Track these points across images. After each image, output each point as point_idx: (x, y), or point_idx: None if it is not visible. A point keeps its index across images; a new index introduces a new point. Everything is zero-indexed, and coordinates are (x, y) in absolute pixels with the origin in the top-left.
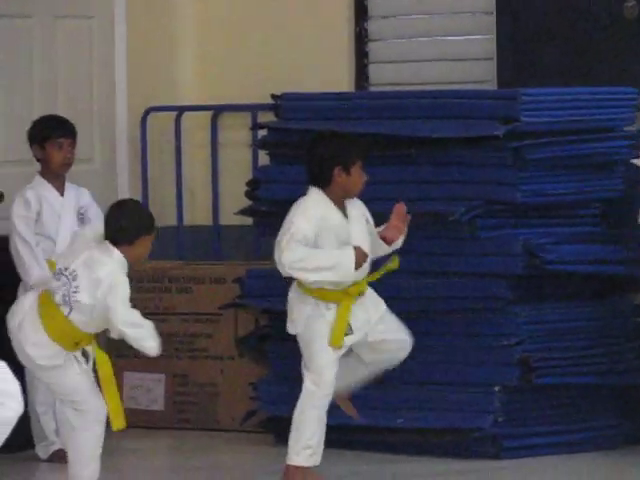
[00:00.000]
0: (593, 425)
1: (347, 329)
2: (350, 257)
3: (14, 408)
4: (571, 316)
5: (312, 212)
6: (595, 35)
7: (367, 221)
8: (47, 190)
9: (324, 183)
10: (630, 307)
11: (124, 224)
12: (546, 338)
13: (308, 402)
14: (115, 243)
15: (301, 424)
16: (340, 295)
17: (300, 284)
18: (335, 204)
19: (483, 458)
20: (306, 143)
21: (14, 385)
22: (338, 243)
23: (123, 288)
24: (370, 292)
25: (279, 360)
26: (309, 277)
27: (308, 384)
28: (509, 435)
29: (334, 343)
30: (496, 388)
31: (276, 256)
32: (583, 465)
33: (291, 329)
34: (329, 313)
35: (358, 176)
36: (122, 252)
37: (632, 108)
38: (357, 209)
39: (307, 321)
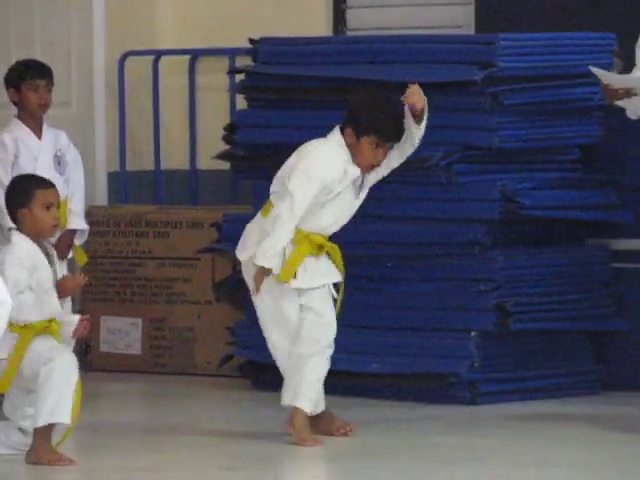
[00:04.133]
0: (569, 371)
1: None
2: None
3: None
4: (548, 262)
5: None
6: None
7: None
8: (24, 133)
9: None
10: (607, 253)
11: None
12: (523, 284)
13: None
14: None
15: None
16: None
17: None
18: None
19: (459, 403)
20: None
21: (3, 293)
22: None
23: None
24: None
25: (252, 307)
26: None
27: None
28: (485, 380)
29: (281, 278)
30: (472, 333)
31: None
32: (559, 410)
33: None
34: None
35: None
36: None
37: (610, 54)
38: None
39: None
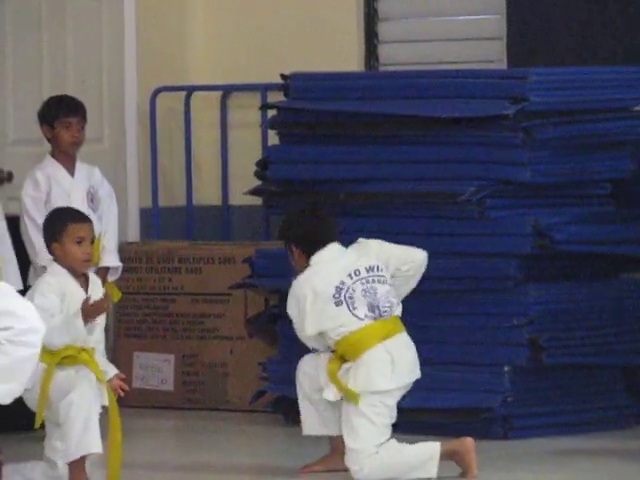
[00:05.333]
0: (603, 405)
1: None
2: None
3: (33, 344)
4: (581, 296)
5: None
6: (605, 14)
7: None
8: (57, 170)
9: None
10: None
11: None
12: (556, 318)
13: None
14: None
15: None
16: None
17: None
18: None
19: (492, 438)
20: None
21: (36, 320)
22: None
23: None
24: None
25: (288, 340)
26: None
27: None
28: (518, 415)
29: None
30: (505, 368)
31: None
32: (593, 445)
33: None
34: None
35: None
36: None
37: None
38: None
39: None
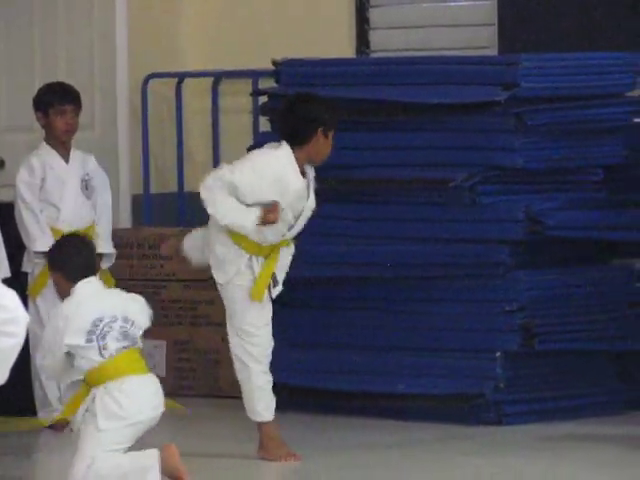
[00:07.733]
0: (594, 391)
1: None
2: (251, 219)
3: (16, 334)
4: (573, 282)
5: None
6: (596, 1)
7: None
8: (52, 157)
9: (300, 142)
10: (631, 273)
11: None
12: (548, 304)
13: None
14: None
15: None
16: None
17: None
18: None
19: (484, 424)
20: (285, 102)
21: (17, 310)
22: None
23: None
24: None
25: (279, 328)
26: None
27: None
28: (510, 401)
29: (255, 297)
30: (497, 354)
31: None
32: (584, 431)
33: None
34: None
35: (329, 144)
36: None
37: (633, 74)
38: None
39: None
